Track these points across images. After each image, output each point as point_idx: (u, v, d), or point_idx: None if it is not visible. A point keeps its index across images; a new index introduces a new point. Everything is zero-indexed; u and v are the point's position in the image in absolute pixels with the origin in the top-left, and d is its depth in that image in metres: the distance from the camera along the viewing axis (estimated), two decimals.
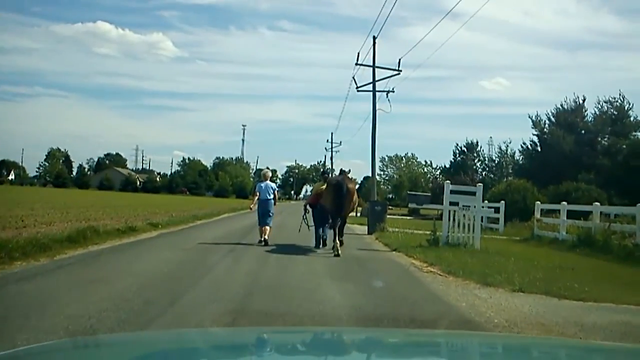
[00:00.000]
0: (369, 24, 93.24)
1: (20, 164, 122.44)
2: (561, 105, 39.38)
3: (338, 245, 12.04)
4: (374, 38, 40.85)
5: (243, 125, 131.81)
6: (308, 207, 14.35)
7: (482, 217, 25.57)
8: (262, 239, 13.63)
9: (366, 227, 20.83)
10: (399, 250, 13.43)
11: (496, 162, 60.89)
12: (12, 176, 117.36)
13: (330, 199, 12.73)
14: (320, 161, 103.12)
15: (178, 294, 6.70)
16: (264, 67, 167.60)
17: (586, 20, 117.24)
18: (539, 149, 40.24)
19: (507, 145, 59.94)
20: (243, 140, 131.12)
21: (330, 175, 15.42)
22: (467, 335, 3.58)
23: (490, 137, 62.98)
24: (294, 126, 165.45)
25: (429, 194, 16.44)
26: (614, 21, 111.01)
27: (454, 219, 14.29)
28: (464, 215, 14.21)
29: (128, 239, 14.05)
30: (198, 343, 2.34)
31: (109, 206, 31.93)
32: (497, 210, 23.81)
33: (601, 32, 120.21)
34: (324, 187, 13.64)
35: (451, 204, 14.51)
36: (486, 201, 24.81)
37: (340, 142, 78.14)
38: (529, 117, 40.66)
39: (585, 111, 38.90)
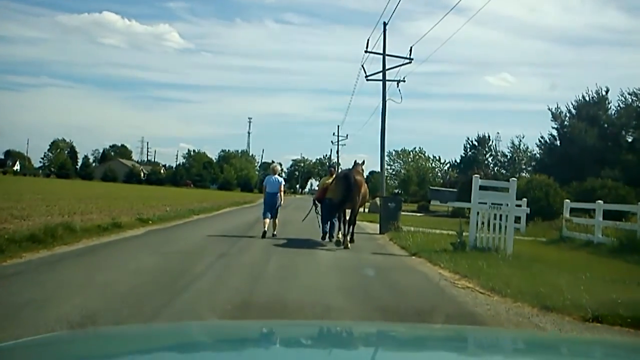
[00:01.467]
0: (376, 17, 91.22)
1: (26, 154, 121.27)
2: (582, 97, 37.05)
3: (348, 239, 12.38)
4: (384, 24, 38.70)
5: (249, 118, 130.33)
6: (316, 202, 14.35)
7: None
8: (266, 232, 13.51)
9: (377, 226, 19.00)
10: (419, 255, 11.50)
11: (508, 157, 58.95)
12: (17, 166, 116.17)
13: (338, 192, 12.69)
14: (327, 155, 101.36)
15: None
16: (270, 59, 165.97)
17: (592, 16, 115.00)
18: (558, 143, 38.00)
19: (520, 140, 58.00)
20: (249, 133, 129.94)
21: (335, 169, 15.11)
22: (473, 330, 3.64)
23: (498, 133, 60.92)
24: (300, 119, 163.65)
25: (455, 190, 14.53)
26: (621, 18, 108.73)
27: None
28: (494, 215, 12.32)
29: (107, 238, 12.23)
30: (200, 336, 2.29)
31: (104, 198, 30.19)
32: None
33: (607, 28, 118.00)
34: (330, 181, 13.77)
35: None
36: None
37: (347, 135, 76.27)
38: (549, 109, 38.36)
39: (609, 104, 36.61)
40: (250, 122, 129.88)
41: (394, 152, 78.30)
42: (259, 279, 7.82)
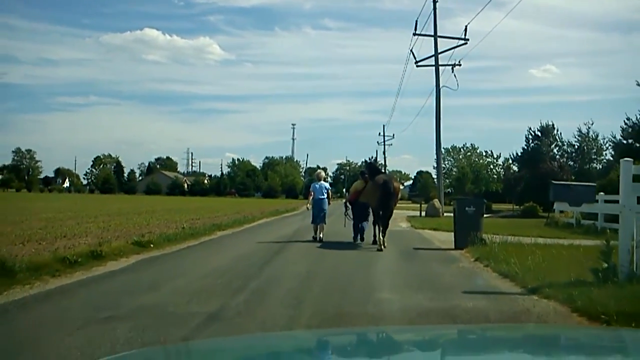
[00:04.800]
0: (413, 17, 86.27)
1: (74, 171, 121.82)
2: None
3: (382, 240, 12.70)
4: (434, 2, 34.01)
5: (292, 125, 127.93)
6: (348, 204, 14.90)
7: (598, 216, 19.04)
8: (317, 237, 14.42)
9: (449, 236, 14.54)
10: (544, 292, 6.96)
11: (576, 147, 53.01)
12: (67, 184, 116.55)
13: (377, 198, 13.05)
14: (372, 157, 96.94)
15: None
16: (311, 66, 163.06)
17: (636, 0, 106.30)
18: None
19: (589, 128, 52.08)
20: (293, 139, 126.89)
21: (367, 174, 14.45)
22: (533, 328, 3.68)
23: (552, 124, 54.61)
24: (343, 123, 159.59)
25: (594, 185, 10.19)
26: None
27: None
28: None
29: (63, 280, 8.29)
30: (284, 346, 2.32)
31: (128, 213, 26.58)
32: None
33: None
34: (361, 185, 14.22)
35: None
36: (602, 192, 18.26)
37: (393, 134, 72.56)
38: (637, 83, 32.55)
39: None
40: (294, 128, 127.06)
41: (443, 150, 73.12)
42: None
